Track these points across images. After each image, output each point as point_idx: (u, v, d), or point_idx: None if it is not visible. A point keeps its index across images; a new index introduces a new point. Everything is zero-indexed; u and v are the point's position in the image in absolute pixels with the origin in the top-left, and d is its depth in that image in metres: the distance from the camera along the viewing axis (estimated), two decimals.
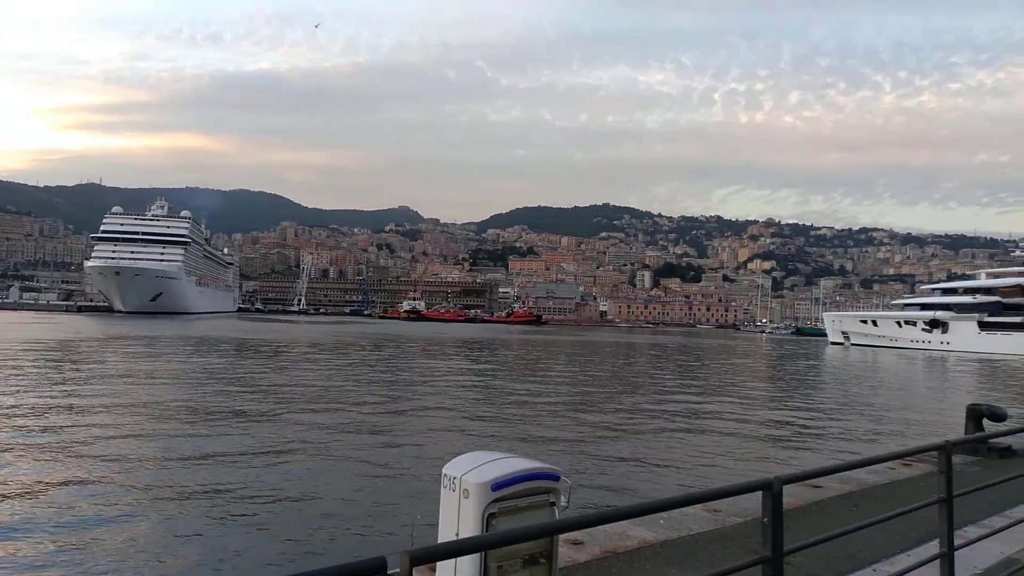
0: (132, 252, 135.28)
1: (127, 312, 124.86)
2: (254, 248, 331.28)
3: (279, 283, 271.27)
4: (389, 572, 2.00)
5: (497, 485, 3.46)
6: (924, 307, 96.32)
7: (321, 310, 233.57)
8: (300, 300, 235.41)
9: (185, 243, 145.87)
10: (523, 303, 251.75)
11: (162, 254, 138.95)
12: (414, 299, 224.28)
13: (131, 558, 9.03)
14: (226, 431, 17.89)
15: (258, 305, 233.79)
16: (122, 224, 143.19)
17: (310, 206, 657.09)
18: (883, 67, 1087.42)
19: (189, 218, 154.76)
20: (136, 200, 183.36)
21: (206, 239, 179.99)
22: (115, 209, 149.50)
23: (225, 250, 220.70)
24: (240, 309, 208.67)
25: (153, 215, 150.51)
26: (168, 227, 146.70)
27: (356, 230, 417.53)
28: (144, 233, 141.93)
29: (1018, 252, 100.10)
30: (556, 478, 3.73)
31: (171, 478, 13.08)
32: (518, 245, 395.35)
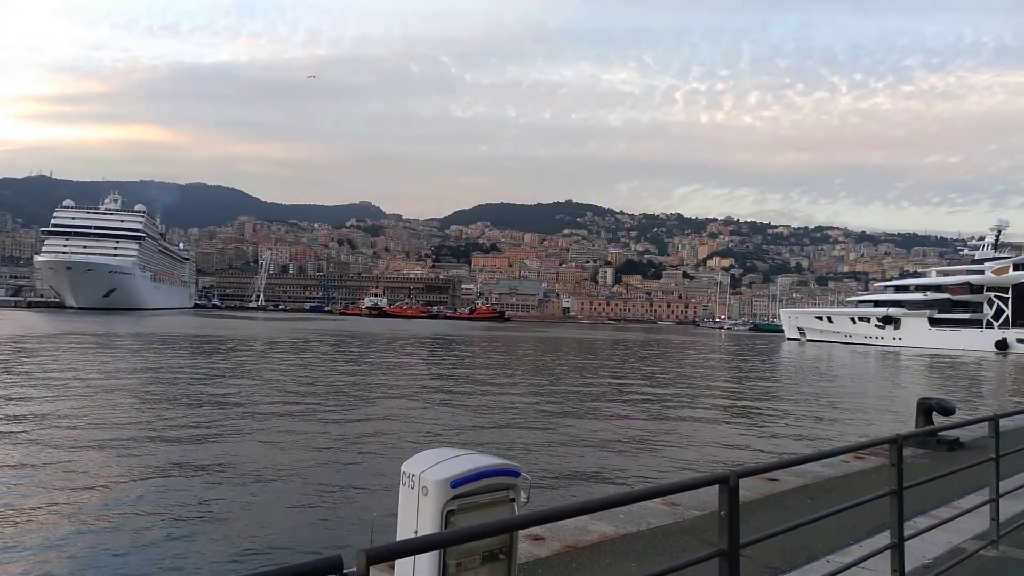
0: (84, 247, 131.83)
1: (79, 308, 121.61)
2: (211, 243, 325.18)
3: (237, 279, 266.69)
4: (346, 571, 1.96)
5: (457, 482, 3.44)
6: (877, 304, 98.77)
7: (280, 307, 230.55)
8: (259, 296, 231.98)
9: (139, 237, 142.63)
10: (486, 299, 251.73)
11: (115, 249, 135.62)
12: (376, 295, 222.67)
13: (82, 557, 8.79)
14: (180, 429, 17.53)
15: (215, 301, 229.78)
16: (74, 218, 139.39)
17: (269, 200, 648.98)
18: (839, 68, 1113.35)
19: (143, 212, 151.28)
20: (89, 193, 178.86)
21: (161, 233, 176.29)
22: (66, 202, 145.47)
23: (181, 245, 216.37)
24: (196, 305, 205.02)
25: (106, 209, 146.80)
26: (122, 221, 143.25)
27: (316, 225, 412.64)
28: (97, 227, 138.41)
29: (966, 251, 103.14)
30: (516, 474, 3.72)
31: (124, 475, 12.77)
32: (481, 242, 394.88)
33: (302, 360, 41.27)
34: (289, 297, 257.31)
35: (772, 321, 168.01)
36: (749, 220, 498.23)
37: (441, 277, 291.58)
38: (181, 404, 21.81)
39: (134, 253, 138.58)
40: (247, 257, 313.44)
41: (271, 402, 22.83)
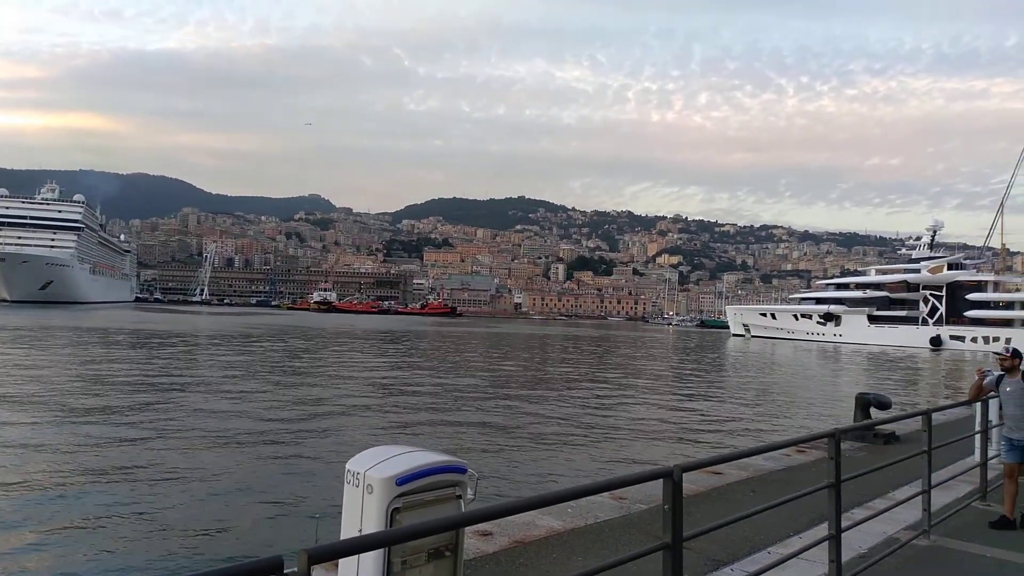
0: (19, 237, 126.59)
1: (14, 301, 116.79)
2: (153, 235, 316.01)
3: (180, 272, 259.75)
4: (287, 571, 1.95)
5: (402, 480, 3.40)
6: (819, 301, 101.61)
7: (225, 301, 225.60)
8: (203, 290, 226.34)
9: (78, 229, 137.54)
10: (438, 295, 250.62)
11: (52, 240, 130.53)
12: (325, 290, 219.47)
13: (15, 561, 8.45)
14: (119, 425, 16.99)
15: (157, 295, 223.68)
16: (8, 207, 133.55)
17: (214, 192, 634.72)
18: (787, 71, 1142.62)
19: (83, 202, 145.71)
20: (24, 182, 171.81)
21: (101, 225, 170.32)
22: (0, 191, 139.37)
23: (122, 237, 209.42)
24: (138, 299, 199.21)
25: (43, 198, 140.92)
26: (59, 211, 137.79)
27: (264, 218, 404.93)
28: (33, 217, 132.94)
29: (904, 251, 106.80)
30: (463, 471, 3.70)
31: (59, 471, 12.32)
32: (433, 236, 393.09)
33: (246, 356, 40.43)
34: (235, 291, 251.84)
35: (718, 318, 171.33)
36: (697, 218, 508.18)
37: (392, 272, 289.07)
38: (118, 401, 21.14)
39: (72, 245, 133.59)
40: (191, 250, 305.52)
41: (212, 399, 22.31)
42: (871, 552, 6.00)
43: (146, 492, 11.65)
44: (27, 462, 13.32)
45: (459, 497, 3.66)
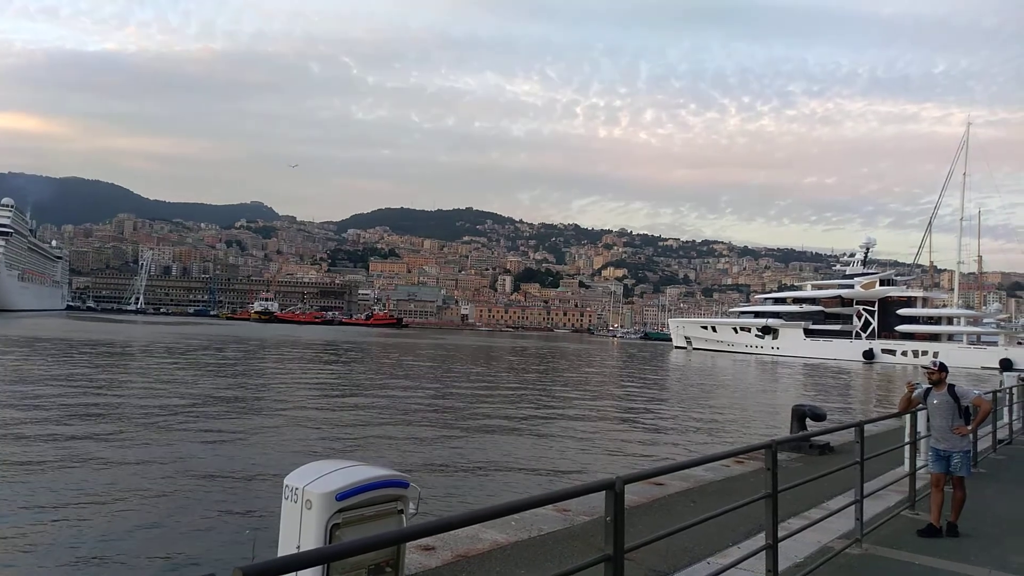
0: None
1: None
2: (87, 241, 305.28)
3: (114, 280, 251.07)
4: None
5: (342, 495, 3.34)
6: (757, 315, 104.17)
7: (162, 310, 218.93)
8: (138, 299, 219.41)
9: (6, 233, 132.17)
10: (384, 305, 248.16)
11: None
12: (266, 299, 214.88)
13: None
14: (44, 439, 16.27)
15: (90, 303, 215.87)
16: None
17: (152, 198, 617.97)
18: (730, 91, 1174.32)
19: (11, 206, 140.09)
20: None
21: (31, 230, 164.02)
22: None
23: (54, 242, 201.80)
24: (69, 307, 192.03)
25: None
26: None
27: (203, 225, 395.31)
28: None
29: (838, 267, 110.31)
30: (405, 485, 3.65)
31: None
32: (379, 246, 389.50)
33: (181, 367, 39.25)
34: (172, 300, 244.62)
35: (661, 330, 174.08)
36: (642, 232, 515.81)
37: (337, 282, 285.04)
38: (41, 415, 20.25)
39: None
40: (126, 257, 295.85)
41: (143, 412, 21.56)
42: (806, 561, 6.14)
43: (73, 510, 11.16)
44: None
45: (401, 512, 3.61)
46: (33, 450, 15.23)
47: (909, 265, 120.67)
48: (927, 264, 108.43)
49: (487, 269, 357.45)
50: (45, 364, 35.91)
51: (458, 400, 29.34)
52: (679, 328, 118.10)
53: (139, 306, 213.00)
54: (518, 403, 29.07)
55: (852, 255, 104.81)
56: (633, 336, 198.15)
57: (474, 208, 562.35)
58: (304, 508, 3.33)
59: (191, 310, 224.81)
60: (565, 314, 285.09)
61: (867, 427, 7.07)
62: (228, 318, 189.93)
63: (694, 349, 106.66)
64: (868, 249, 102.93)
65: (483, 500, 12.65)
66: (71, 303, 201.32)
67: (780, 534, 5.04)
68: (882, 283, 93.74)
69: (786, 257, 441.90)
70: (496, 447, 18.28)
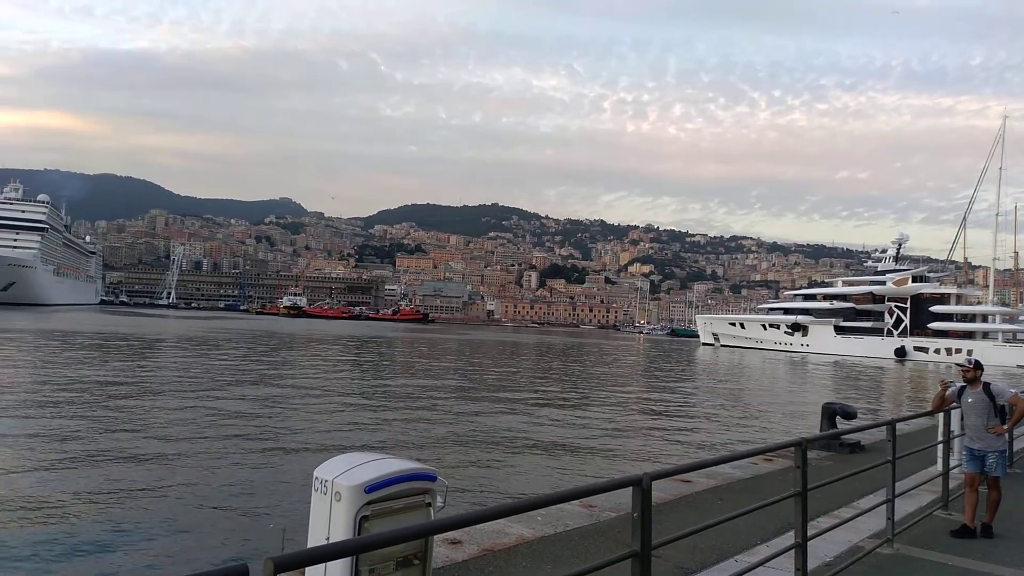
0: None
1: None
2: (120, 237, 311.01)
3: (147, 275, 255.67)
4: None
5: (371, 487, 3.36)
6: (787, 311, 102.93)
7: (193, 304, 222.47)
8: (170, 293, 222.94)
9: (42, 229, 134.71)
10: (410, 301, 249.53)
11: (15, 240, 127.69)
12: (295, 295, 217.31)
13: None
14: (84, 431, 16.63)
15: (123, 297, 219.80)
16: None
17: (183, 194, 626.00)
18: (760, 85, 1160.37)
19: (47, 202, 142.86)
20: None
21: (66, 226, 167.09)
22: None
23: (87, 238, 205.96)
24: (103, 301, 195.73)
25: (6, 198, 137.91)
26: (23, 211, 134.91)
27: (233, 221, 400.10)
28: None
29: (870, 263, 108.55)
30: (432, 478, 3.67)
31: (17, 480, 12.01)
32: (406, 242, 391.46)
33: (213, 361, 39.84)
34: (203, 295, 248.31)
35: (688, 327, 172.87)
36: (668, 228, 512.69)
37: (364, 277, 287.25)
38: (81, 406, 20.70)
39: (35, 245, 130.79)
40: (158, 252, 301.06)
41: (177, 406, 21.94)
42: (836, 560, 6.07)
43: (107, 500, 11.41)
44: None
45: (428, 505, 3.64)
46: (67, 444, 15.58)
47: (943, 261, 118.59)
48: (961, 260, 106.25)
49: (513, 265, 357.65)
50: (81, 357, 36.67)
51: (484, 395, 29.42)
52: (707, 325, 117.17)
53: (171, 301, 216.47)
54: (544, 399, 29.07)
55: (884, 251, 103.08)
56: (660, 333, 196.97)
57: (500, 204, 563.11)
58: (333, 500, 3.37)
59: (221, 305, 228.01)
60: (591, 310, 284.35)
61: (899, 425, 6.96)
62: (257, 313, 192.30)
63: (722, 346, 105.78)
64: (901, 245, 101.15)
65: (509, 495, 12.68)
66: (105, 298, 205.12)
67: (809, 533, 4.99)
68: (915, 280, 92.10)
69: (816, 253, 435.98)
70: (521, 442, 18.30)
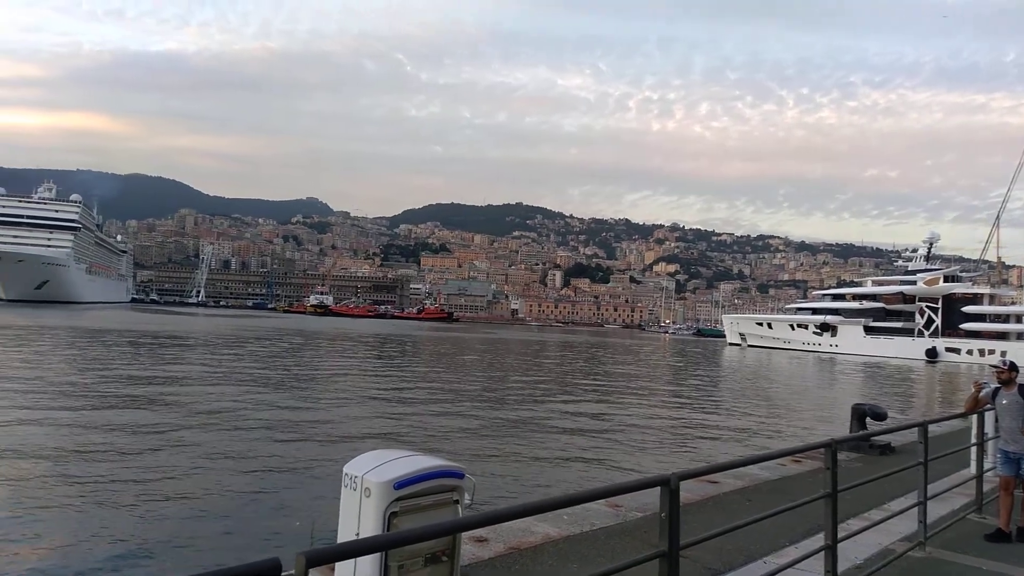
0: (15, 236, 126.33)
1: (9, 300, 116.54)
2: (150, 236, 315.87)
3: (176, 273, 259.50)
4: (284, 574, 1.95)
5: (400, 484, 3.39)
6: (815, 311, 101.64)
7: (222, 303, 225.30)
8: (199, 292, 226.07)
9: (75, 229, 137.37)
10: (435, 300, 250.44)
11: (49, 239, 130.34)
12: (322, 293, 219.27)
13: (15, 561, 8.41)
14: (115, 427, 16.93)
15: (153, 296, 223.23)
16: (5, 206, 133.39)
17: (212, 194, 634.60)
18: (788, 83, 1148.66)
19: (79, 202, 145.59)
20: (21, 181, 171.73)
21: (98, 225, 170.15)
22: None
23: (119, 237, 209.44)
24: (134, 300, 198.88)
25: (40, 198, 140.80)
26: (56, 211, 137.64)
27: (261, 220, 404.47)
28: (29, 216, 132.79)
29: (900, 262, 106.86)
30: (460, 476, 3.69)
31: (53, 474, 12.27)
32: (431, 241, 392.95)
33: (242, 358, 40.33)
34: (231, 293, 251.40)
35: (715, 326, 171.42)
36: (694, 227, 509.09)
37: (389, 276, 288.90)
38: (112, 402, 21.08)
39: (68, 244, 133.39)
40: (188, 251, 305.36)
41: (208, 402, 22.25)
42: (867, 563, 5.99)
43: (139, 494, 11.61)
44: (18, 463, 13.28)
45: (456, 502, 3.66)
46: (96, 434, 15.87)
47: (975, 261, 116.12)
48: (994, 260, 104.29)
49: (537, 264, 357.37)
50: (113, 354, 37.33)
51: (509, 393, 29.46)
52: (733, 324, 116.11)
53: (200, 299, 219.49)
54: (569, 397, 29.02)
55: (915, 250, 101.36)
56: (686, 332, 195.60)
57: (524, 203, 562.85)
58: (363, 496, 3.40)
59: (250, 303, 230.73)
60: (616, 309, 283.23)
61: (931, 427, 6.85)
62: (285, 311, 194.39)
63: (749, 346, 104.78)
64: (932, 244, 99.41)
65: (534, 493, 12.69)
66: (135, 296, 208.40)
67: (839, 535, 4.93)
68: (946, 279, 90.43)
69: (845, 252, 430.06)
70: (547, 440, 18.30)
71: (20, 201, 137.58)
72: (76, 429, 16.53)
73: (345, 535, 3.45)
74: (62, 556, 8.80)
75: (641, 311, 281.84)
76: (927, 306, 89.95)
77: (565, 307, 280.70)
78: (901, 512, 6.42)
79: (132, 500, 11.23)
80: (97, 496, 11.33)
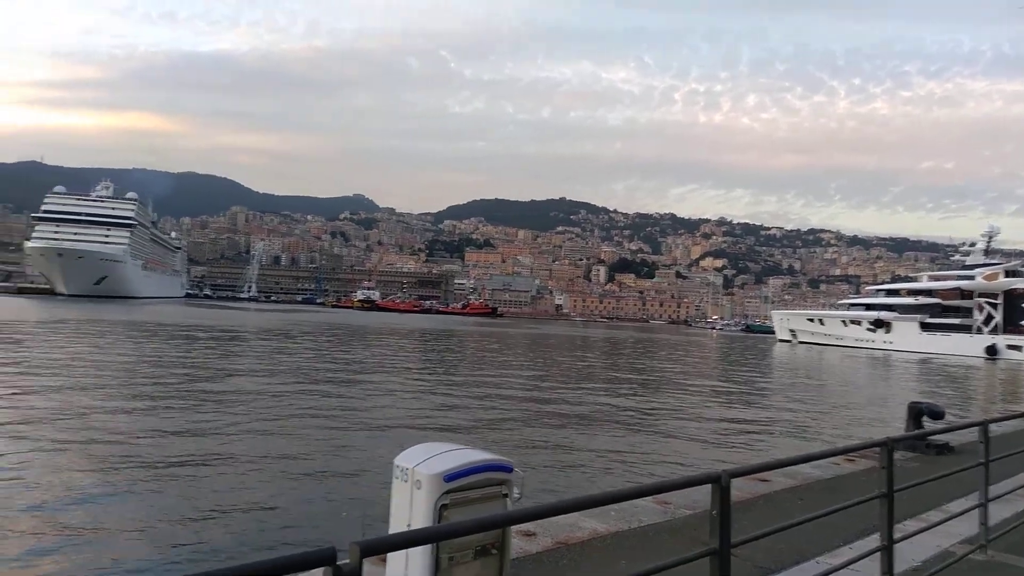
0: (75, 233, 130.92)
1: (70, 295, 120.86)
2: (203, 233, 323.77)
3: (229, 269, 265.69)
4: (339, 563, 1.95)
5: (450, 476, 3.42)
6: (869, 307, 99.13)
7: (272, 298, 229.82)
8: (251, 287, 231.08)
9: (131, 226, 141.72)
10: (479, 295, 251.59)
11: (107, 236, 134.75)
12: (368, 289, 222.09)
13: (73, 549, 8.74)
14: (172, 418, 17.45)
15: (206, 291, 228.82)
16: (65, 204, 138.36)
17: (262, 191, 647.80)
18: (838, 73, 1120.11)
19: (136, 200, 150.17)
20: (80, 180, 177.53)
21: (153, 222, 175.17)
22: (58, 188, 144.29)
23: (173, 234, 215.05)
24: (188, 295, 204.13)
25: (98, 196, 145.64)
26: (113, 209, 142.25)
27: (309, 217, 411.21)
28: (88, 214, 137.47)
29: (957, 256, 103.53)
30: (509, 470, 3.71)
31: (110, 466, 12.71)
32: (475, 237, 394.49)
33: (293, 352, 41.13)
34: (281, 288, 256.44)
35: (764, 322, 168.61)
36: (742, 221, 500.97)
37: (434, 272, 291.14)
38: (171, 394, 21.71)
39: (125, 241, 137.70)
40: (239, 247, 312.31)
41: (260, 393, 22.75)
42: (924, 565, 5.83)
43: (193, 484, 11.95)
44: (85, 449, 13.78)
45: (505, 496, 3.67)
46: (152, 418, 16.37)
47: None
48: None
49: (581, 259, 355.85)
50: (170, 347, 38.44)
51: (555, 388, 29.44)
52: (783, 320, 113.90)
53: (251, 294, 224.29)
54: (615, 393, 28.88)
55: (973, 244, 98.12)
56: (734, 328, 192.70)
57: (568, 198, 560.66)
58: (414, 488, 3.44)
59: (299, 298, 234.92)
60: (661, 305, 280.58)
61: (992, 427, 6.62)
62: (333, 306, 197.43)
63: (799, 343, 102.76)
64: (991, 237, 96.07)
65: (579, 488, 12.67)
66: (189, 291, 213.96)
67: (896, 536, 4.81)
68: (1007, 274, 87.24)
69: (899, 246, 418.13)
70: (592, 436, 18.25)
71: (80, 199, 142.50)
72: (135, 416, 17.09)
73: (397, 526, 3.50)
74: (122, 537, 9.11)
75: (687, 307, 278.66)
76: (987, 302, 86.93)
77: (610, 302, 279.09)
78: (961, 514, 6.22)
79: (184, 489, 11.56)
80: (153, 482, 11.70)
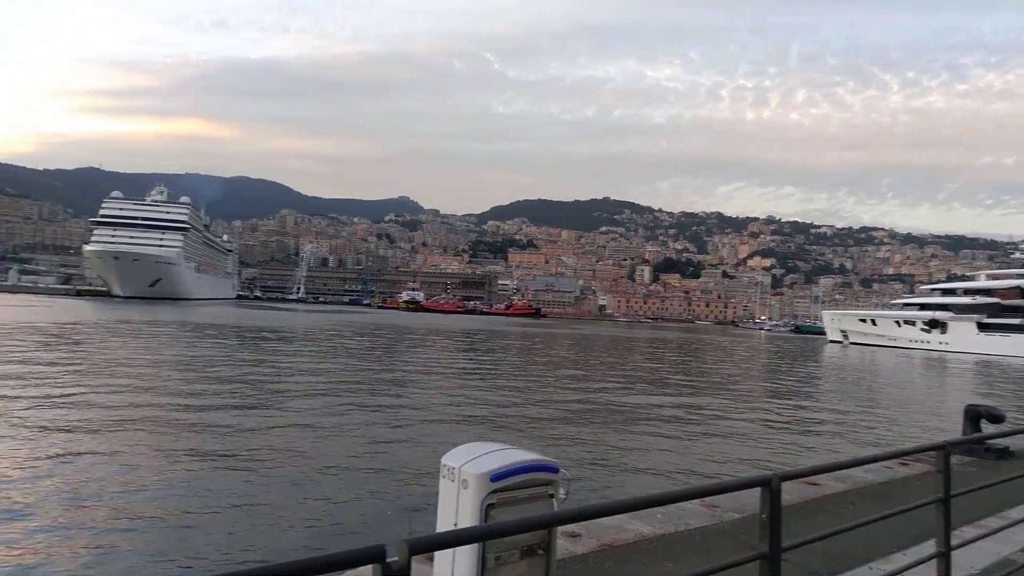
0: (131, 237, 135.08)
1: (126, 297, 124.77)
2: (253, 235, 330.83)
3: (278, 271, 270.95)
4: (388, 560, 1.98)
5: (496, 476, 3.45)
6: (923, 307, 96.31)
7: (320, 299, 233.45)
8: (299, 288, 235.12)
9: (184, 229, 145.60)
10: (522, 296, 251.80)
11: (161, 240, 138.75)
12: (413, 290, 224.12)
13: (124, 542, 9.03)
14: (223, 416, 17.87)
15: (257, 293, 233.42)
16: (121, 209, 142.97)
17: (310, 194, 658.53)
18: (891, 66, 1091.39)
19: (189, 204, 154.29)
20: (136, 185, 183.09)
21: (206, 225, 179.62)
22: (115, 193, 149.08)
23: (225, 237, 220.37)
24: (239, 296, 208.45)
25: (153, 200, 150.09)
26: (167, 213, 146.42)
27: (356, 219, 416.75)
28: (143, 218, 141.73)
29: (1018, 254, 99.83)
30: (555, 470, 3.72)
31: (163, 462, 13.08)
32: (518, 238, 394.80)
33: (342, 352, 41.75)
34: (329, 290, 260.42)
35: (814, 323, 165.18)
36: (791, 219, 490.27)
37: (478, 272, 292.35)
38: (224, 392, 22.24)
39: (179, 244, 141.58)
40: (288, 250, 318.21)
41: (309, 392, 23.16)
42: (984, 573, 5.67)
43: (240, 481, 12.22)
44: (137, 449, 14.21)
45: (551, 496, 3.68)
46: (205, 414, 16.79)
47: None
48: None
49: (625, 259, 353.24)
50: (223, 346, 39.38)
51: (600, 389, 29.30)
52: (834, 321, 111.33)
53: (300, 295, 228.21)
54: (661, 394, 28.62)
55: None
56: (782, 329, 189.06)
57: (611, 198, 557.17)
58: (460, 487, 3.47)
59: (346, 299, 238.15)
60: (707, 305, 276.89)
61: None
62: (379, 307, 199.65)
63: (851, 344, 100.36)
64: None
65: (625, 490, 12.59)
66: (241, 293, 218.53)
67: (953, 542, 4.68)
68: None
69: (956, 244, 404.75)
70: (638, 437, 18.12)
71: (135, 204, 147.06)
72: (191, 412, 17.57)
73: (444, 525, 3.53)
74: (175, 533, 9.38)
75: (735, 307, 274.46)
76: None
77: (654, 303, 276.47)
78: (1021, 520, 6.02)
79: (233, 485, 11.84)
80: (204, 480, 12.00)
